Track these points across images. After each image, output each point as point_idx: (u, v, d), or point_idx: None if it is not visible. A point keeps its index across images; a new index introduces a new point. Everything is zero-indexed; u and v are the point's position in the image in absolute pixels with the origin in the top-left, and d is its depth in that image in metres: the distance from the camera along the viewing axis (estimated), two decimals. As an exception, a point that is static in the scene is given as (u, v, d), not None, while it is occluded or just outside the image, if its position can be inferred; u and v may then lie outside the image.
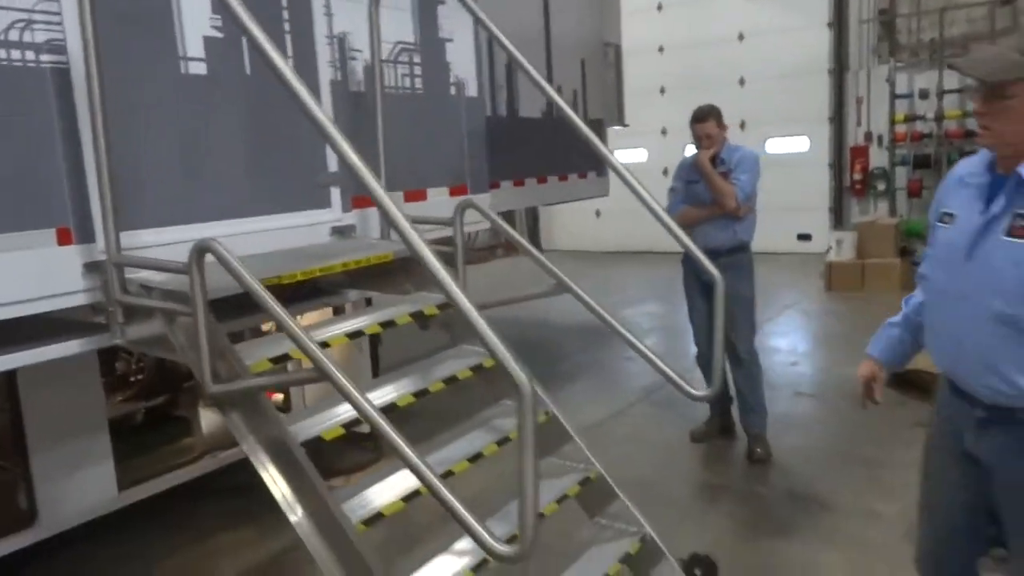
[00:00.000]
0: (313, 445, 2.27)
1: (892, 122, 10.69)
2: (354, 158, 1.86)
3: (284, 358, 2.32)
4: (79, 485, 3.50)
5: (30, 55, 2.32)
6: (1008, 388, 1.93)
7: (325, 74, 3.25)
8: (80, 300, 2.49)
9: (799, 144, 11.86)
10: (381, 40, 3.38)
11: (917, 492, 2.31)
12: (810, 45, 11.44)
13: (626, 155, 12.42)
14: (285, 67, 1.88)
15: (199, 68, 2.72)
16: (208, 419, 4.21)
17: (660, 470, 4.46)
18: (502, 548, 1.71)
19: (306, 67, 3.17)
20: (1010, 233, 1.89)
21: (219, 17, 2.83)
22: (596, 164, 7.07)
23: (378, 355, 5.10)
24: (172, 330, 2.37)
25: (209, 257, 2.05)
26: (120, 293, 2.44)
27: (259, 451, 2.26)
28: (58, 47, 2.36)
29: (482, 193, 4.16)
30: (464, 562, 2.30)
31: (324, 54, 3.24)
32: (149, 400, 4.23)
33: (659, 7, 12.68)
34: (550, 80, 6.36)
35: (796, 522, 3.75)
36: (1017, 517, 2.01)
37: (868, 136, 11.18)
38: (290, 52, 3.09)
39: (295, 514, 2.19)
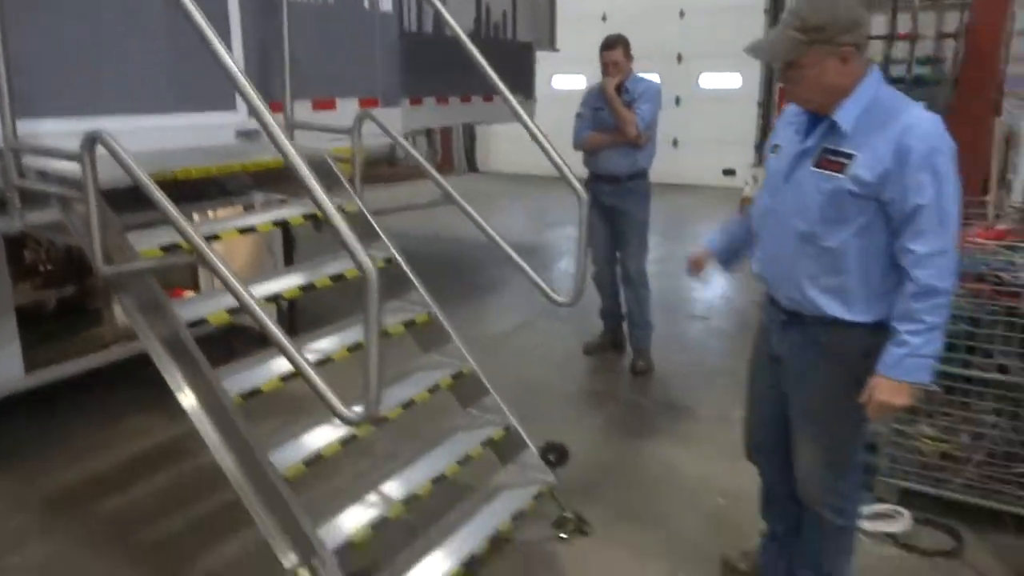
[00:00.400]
0: (201, 329, 2.50)
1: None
2: (232, 67, 2.03)
3: (174, 247, 2.51)
4: (-14, 363, 3.66)
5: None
6: (800, 296, 2.25)
7: (232, -24, 3.34)
8: (-22, 182, 2.62)
9: (732, 80, 12.10)
10: (291, -51, 3.47)
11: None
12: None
13: (564, 80, 12.47)
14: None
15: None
16: (120, 311, 4.37)
17: (550, 376, 4.82)
18: (348, 412, 1.99)
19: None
20: (817, 165, 2.17)
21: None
22: (524, 87, 7.21)
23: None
24: (67, 216, 2.54)
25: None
26: (17, 178, 2.58)
27: (151, 335, 2.48)
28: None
29: (393, 107, 4.32)
30: (337, 434, 2.59)
31: (233, -40, 3.32)
32: (59, 289, 4.36)
33: (604, -71, 12.57)
34: (479, 3, 6.45)
35: (660, 426, 4.16)
36: (800, 402, 2.36)
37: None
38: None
39: (182, 392, 2.44)
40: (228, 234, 2.81)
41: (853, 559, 2.55)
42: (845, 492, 2.42)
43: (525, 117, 2.97)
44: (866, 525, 3.13)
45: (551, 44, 8.01)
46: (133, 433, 3.96)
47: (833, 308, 2.21)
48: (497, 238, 3.16)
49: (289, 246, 5.14)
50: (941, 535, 3.11)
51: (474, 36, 6.37)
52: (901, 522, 3.14)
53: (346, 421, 2.01)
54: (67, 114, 2.73)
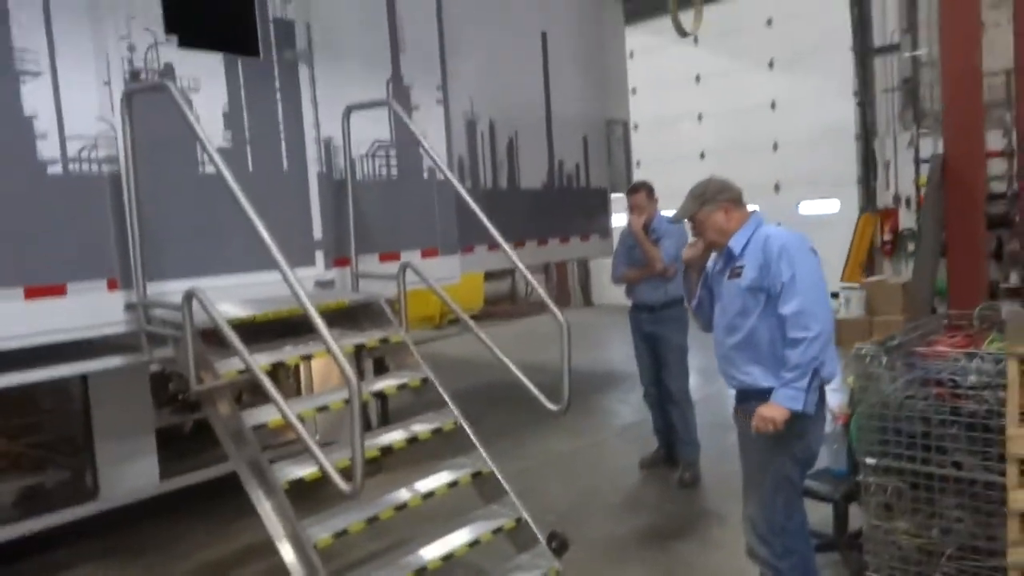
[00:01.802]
0: (262, 429, 3.30)
1: (917, 186, 11.14)
2: (263, 232, 2.90)
3: (246, 370, 3.35)
4: (130, 472, 4.64)
5: (95, 168, 3.53)
6: (737, 374, 3.10)
7: (313, 167, 4.39)
8: (121, 329, 3.65)
9: (830, 206, 12.39)
10: (360, 140, 4.53)
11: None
12: (838, 112, 12.05)
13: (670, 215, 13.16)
14: (223, 167, 2.98)
15: (211, 169, 3.86)
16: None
17: (603, 486, 5.28)
18: (343, 485, 2.68)
19: (298, 163, 4.32)
20: (728, 277, 3.13)
21: (229, 132, 4.01)
22: (600, 227, 8.01)
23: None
24: (176, 350, 3.48)
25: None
26: (146, 325, 3.58)
27: (224, 432, 3.32)
28: (112, 160, 3.57)
29: (451, 255, 5.20)
30: (363, 515, 3.26)
31: (312, 153, 4.39)
32: (196, 414, 5.38)
33: (697, 79, 13.57)
34: (551, 154, 7.42)
35: (692, 531, 4.51)
36: (744, 466, 3.20)
37: (896, 199, 11.64)
38: (284, 153, 4.26)
39: (244, 475, 3.22)
40: (292, 359, 3.67)
41: None
42: (776, 551, 3.08)
43: (515, 258, 3.67)
44: (851, 617, 3.38)
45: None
46: (237, 532, 4.76)
47: (757, 375, 3.01)
48: (502, 356, 3.81)
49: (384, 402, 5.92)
50: (923, 627, 3.29)
51: (548, 187, 7.33)
52: (883, 614, 3.35)
53: (346, 493, 2.70)
54: (180, 276, 3.72)
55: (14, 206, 3.35)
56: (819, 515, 4.01)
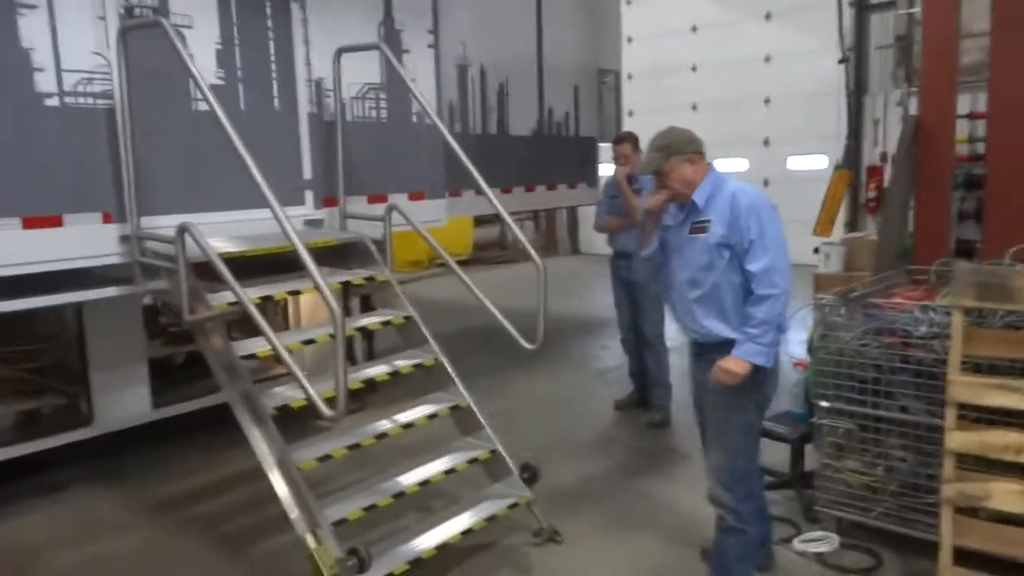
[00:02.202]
0: (252, 360, 3.48)
1: (904, 144, 11.24)
2: (254, 170, 3.02)
3: (236, 303, 3.50)
4: (123, 399, 4.82)
5: (90, 101, 3.62)
6: (699, 328, 3.12)
7: (304, 108, 4.48)
8: (116, 260, 3.79)
9: (818, 162, 12.48)
10: (351, 82, 4.61)
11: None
12: (831, 69, 12.05)
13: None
14: (217, 105, 3.09)
15: (203, 106, 3.95)
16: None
17: (576, 427, 5.51)
18: (327, 411, 2.87)
19: (289, 103, 4.41)
20: (690, 232, 3.11)
21: (222, 70, 4.09)
22: (588, 176, 8.12)
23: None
24: (169, 282, 3.63)
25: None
26: (140, 257, 3.72)
27: (216, 363, 3.49)
28: (108, 94, 3.66)
29: (438, 199, 5.33)
30: (345, 441, 3.46)
31: (303, 93, 4.47)
32: (187, 346, 5.55)
33: (693, 28, 13.50)
34: (541, 101, 7.48)
35: (656, 467, 4.75)
36: (709, 414, 3.21)
37: (883, 156, 11.74)
38: (276, 93, 4.34)
39: (233, 400, 3.41)
40: (279, 295, 3.82)
41: (749, 568, 3.16)
42: (738, 495, 3.10)
43: (497, 203, 3.80)
44: (797, 546, 3.64)
45: (617, 137, 8.88)
46: (228, 459, 4.97)
47: (719, 328, 3.06)
48: (482, 297, 3.98)
49: (370, 338, 6.10)
50: (865, 557, 3.55)
51: (537, 134, 7.41)
52: (829, 544, 3.61)
53: (326, 417, 2.89)
54: (173, 212, 3.84)
55: (12, 137, 3.45)
56: (778, 456, 4.27)
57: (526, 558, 3.71)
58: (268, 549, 3.81)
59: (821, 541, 3.63)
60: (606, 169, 7.42)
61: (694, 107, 13.58)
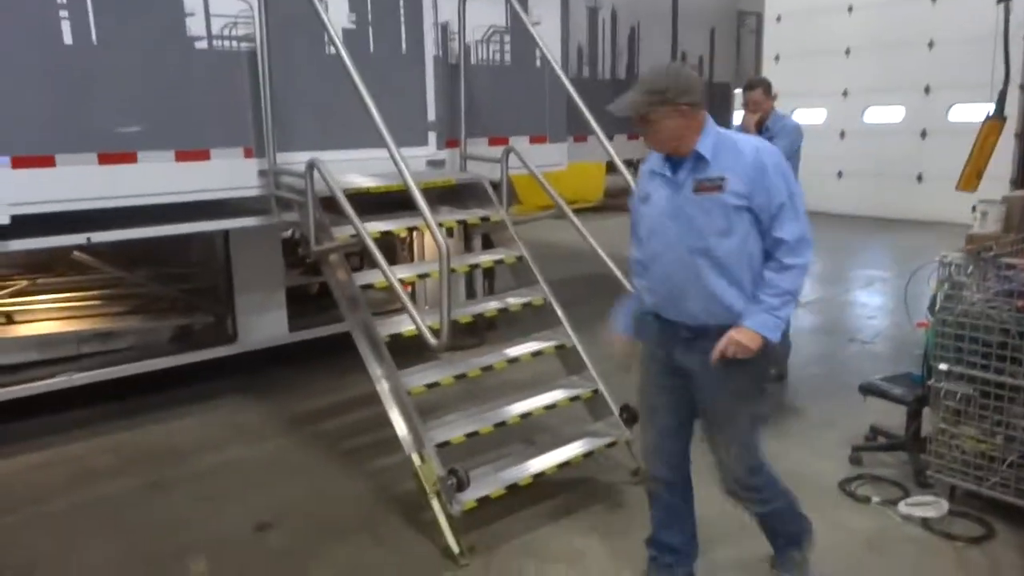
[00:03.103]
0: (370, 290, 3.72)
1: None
2: (374, 111, 3.20)
3: (356, 235, 3.73)
4: (263, 321, 5.27)
5: (235, 44, 3.91)
6: (699, 308, 2.61)
7: (429, 51, 4.62)
8: (255, 192, 4.12)
9: (983, 112, 11.44)
10: (475, 25, 4.71)
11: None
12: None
13: (804, 115, 12.60)
14: (343, 49, 3.28)
15: (333, 50, 4.17)
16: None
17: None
18: (431, 339, 3.05)
19: (415, 47, 4.56)
20: (695, 191, 2.57)
21: (353, 14, 4.29)
22: (720, 123, 7.86)
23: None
24: (300, 214, 3.92)
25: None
26: (275, 189, 4.03)
27: (339, 292, 3.76)
28: (250, 38, 3.93)
29: (559, 142, 5.38)
30: (453, 371, 3.66)
31: (430, 37, 4.61)
32: (319, 277, 5.96)
33: (851, -34, 12.59)
34: (675, 45, 7.30)
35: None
36: (717, 404, 2.73)
37: (1056, 106, 10.61)
38: (403, 36, 4.50)
39: (353, 327, 3.67)
40: (399, 231, 4.04)
41: (803, 520, 2.92)
42: (759, 485, 2.78)
43: (609, 148, 3.82)
44: (903, 509, 3.54)
45: (755, 82, 8.53)
46: (352, 383, 5.31)
47: (733, 299, 2.58)
48: (592, 241, 4.03)
49: (491, 276, 6.30)
50: (975, 526, 3.41)
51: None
52: (937, 510, 3.49)
53: (431, 346, 3.08)
54: (306, 149, 4.10)
55: (168, 78, 3.80)
56: (894, 418, 4.12)
57: (621, 495, 3.81)
58: (381, 466, 4.11)
59: (929, 506, 3.51)
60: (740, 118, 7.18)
61: (847, 51, 12.75)
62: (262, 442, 4.55)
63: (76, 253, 5.08)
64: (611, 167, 15.32)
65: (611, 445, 3.85)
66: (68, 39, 3.53)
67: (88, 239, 3.91)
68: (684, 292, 2.64)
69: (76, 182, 3.64)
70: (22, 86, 3.47)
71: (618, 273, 3.96)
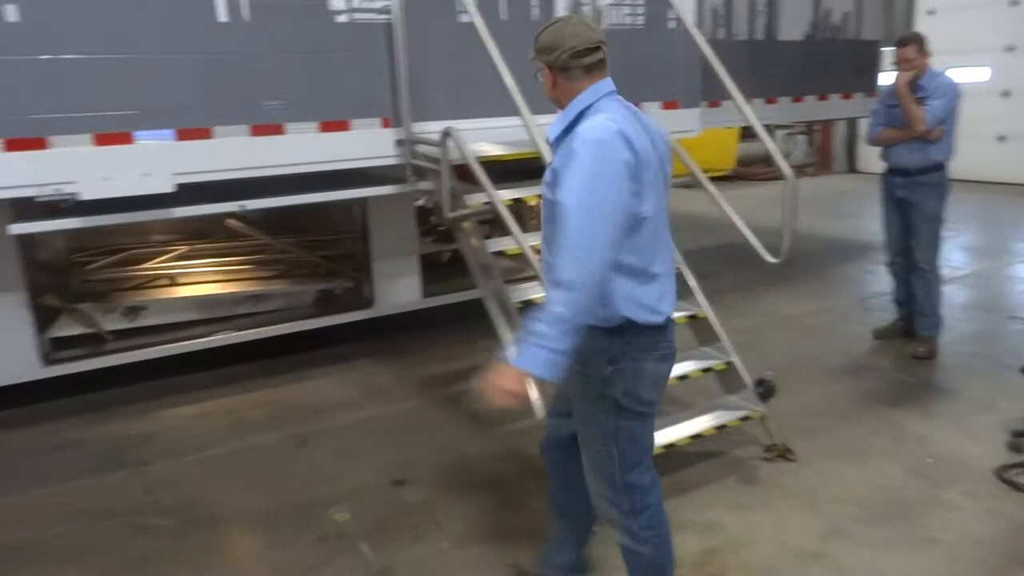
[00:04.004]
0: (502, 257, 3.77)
1: None
2: (507, 78, 3.20)
3: (488, 202, 3.77)
4: (398, 287, 5.46)
5: (372, 16, 4.02)
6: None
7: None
8: (392, 161, 4.24)
9: None
10: (608, -11, 4.61)
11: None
12: None
13: (965, 73, 11.62)
14: (477, 16, 3.30)
15: (466, 19, 4.20)
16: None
17: (825, 350, 5.26)
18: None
19: (546, 12, 4.53)
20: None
21: (486, -17, 4.29)
22: (866, 84, 7.40)
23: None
24: (434, 182, 4.00)
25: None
26: (411, 158, 4.13)
27: (472, 259, 3.83)
28: (387, 9, 4.03)
29: (692, 108, 5.21)
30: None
31: (561, 2, 4.56)
32: (451, 245, 6.10)
33: (1023, -93, 11.42)
34: (817, 3, 6.89)
35: (912, 400, 4.42)
36: (576, 415, 2.40)
37: None
38: (535, 2, 4.47)
39: (485, 294, 3.73)
40: (530, 197, 4.04)
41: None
42: (624, 509, 2.36)
43: (749, 113, 3.66)
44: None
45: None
46: (482, 348, 5.45)
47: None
48: (728, 208, 3.89)
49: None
50: None
51: (810, 38, 6.88)
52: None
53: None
54: (441, 118, 4.17)
55: (311, 51, 3.96)
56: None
57: (754, 470, 3.71)
58: (511, 430, 4.19)
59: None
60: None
61: (1013, 1, 11.62)
62: (396, 402, 4.73)
63: (229, 220, 5.43)
64: (744, 133, 14.77)
65: (745, 419, 3.75)
66: (223, 17, 3.74)
67: (242, 206, 4.17)
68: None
69: (231, 153, 3.87)
70: (183, 64, 3.71)
71: (756, 243, 3.83)
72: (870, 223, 9.06)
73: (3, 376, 4.43)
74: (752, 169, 13.75)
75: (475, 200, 3.83)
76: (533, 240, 3.96)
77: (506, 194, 3.87)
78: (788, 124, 13.29)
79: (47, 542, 3.36)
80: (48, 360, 4.55)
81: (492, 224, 5.37)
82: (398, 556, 3.17)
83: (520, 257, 3.66)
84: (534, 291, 3.73)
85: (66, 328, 4.81)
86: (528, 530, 3.29)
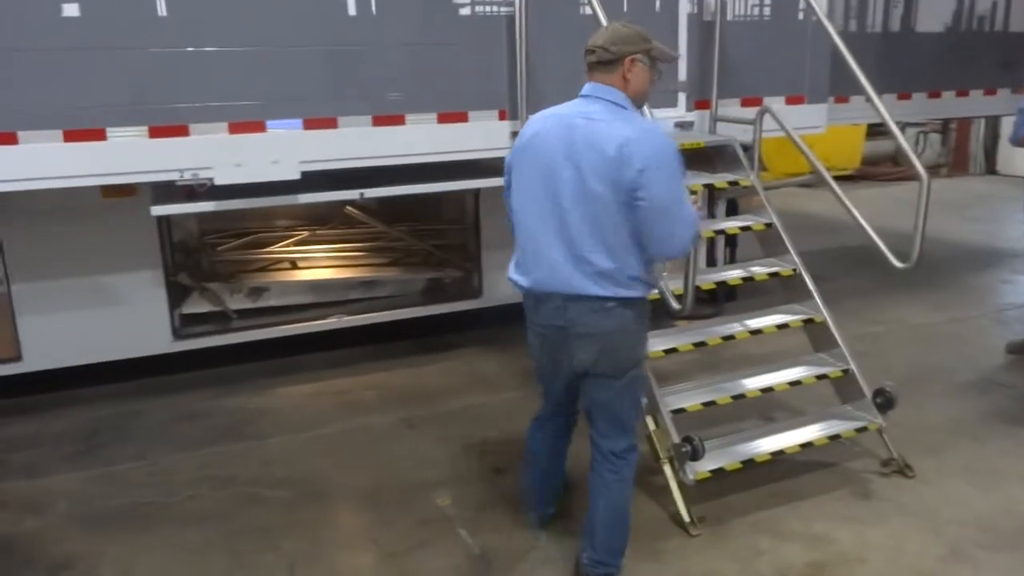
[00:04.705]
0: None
1: None
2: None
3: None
4: (505, 279, 5.48)
5: (495, 8, 4.06)
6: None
7: (684, 8, 4.48)
8: (505, 153, 4.27)
9: None
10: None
11: None
12: None
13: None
14: (600, 10, 3.30)
15: (588, 10, 4.16)
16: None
17: (953, 363, 4.94)
18: (674, 305, 3.01)
19: (670, 3, 4.45)
20: None
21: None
22: (1013, 79, 6.88)
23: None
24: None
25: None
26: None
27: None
28: (510, 2, 4.06)
29: (819, 103, 5.00)
30: (691, 339, 3.60)
31: (683, -7, 4.48)
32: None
33: None
34: (962, -7, 6.46)
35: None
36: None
37: None
38: (657, -6, 4.41)
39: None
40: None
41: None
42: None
43: (880, 107, 3.48)
44: None
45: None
46: (588, 342, 5.46)
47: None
48: (853, 209, 3.73)
49: (733, 243, 6.07)
50: None
51: (951, 30, 6.47)
52: None
53: (673, 311, 3.04)
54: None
55: (433, 43, 4.04)
56: None
57: (869, 485, 3.55)
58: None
59: None
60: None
61: None
62: (499, 392, 4.78)
63: (348, 208, 5.63)
64: (870, 131, 13.94)
65: (861, 431, 3.59)
66: (352, 11, 3.87)
67: (361, 194, 4.31)
68: None
69: (354, 142, 4.01)
70: (311, 55, 3.86)
71: (882, 246, 3.64)
72: (1010, 229, 8.45)
73: (139, 347, 4.76)
74: (879, 168, 13.07)
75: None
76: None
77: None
78: (921, 122, 12.56)
79: (173, 506, 3.60)
80: (179, 335, 4.86)
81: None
82: (496, 543, 3.21)
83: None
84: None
85: (196, 306, 5.11)
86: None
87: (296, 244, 5.78)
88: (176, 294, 4.97)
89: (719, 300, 5.93)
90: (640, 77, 2.65)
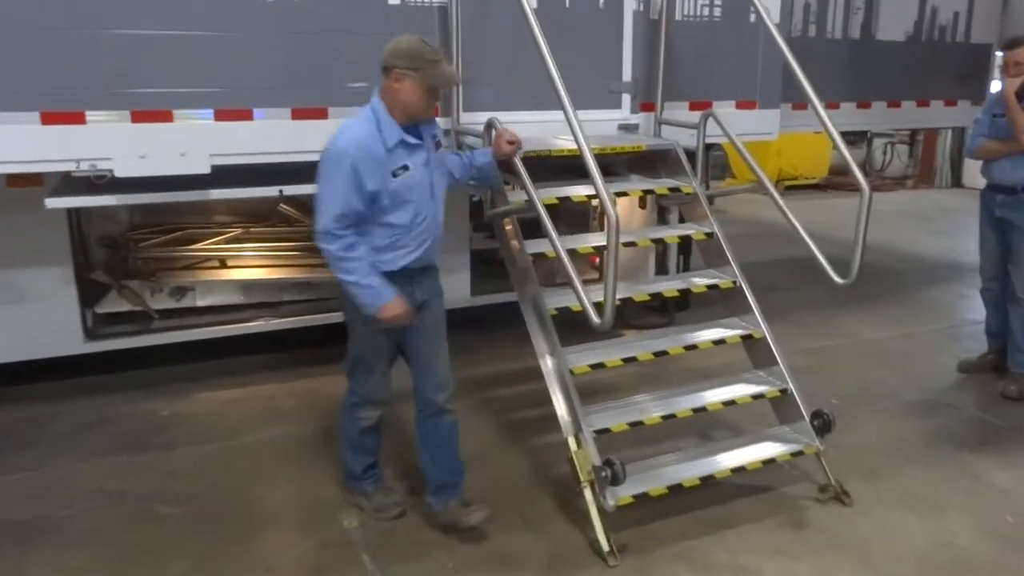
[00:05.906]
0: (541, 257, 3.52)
1: None
2: (553, 70, 2.95)
3: (529, 200, 3.52)
4: (447, 284, 5.21)
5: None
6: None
7: (629, 5, 4.27)
8: (438, 152, 4.04)
9: None
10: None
11: None
12: None
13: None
14: (527, 7, 3.05)
15: (533, 3, 3.93)
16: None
17: (899, 381, 4.79)
18: (596, 318, 2.80)
19: (614, 0, 4.24)
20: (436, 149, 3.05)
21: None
22: (974, 91, 6.78)
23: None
24: (478, 175, 3.78)
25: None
26: (456, 149, 3.92)
27: (510, 259, 3.60)
28: (441, -7, 3.83)
29: (771, 109, 4.82)
30: (621, 353, 3.38)
31: (630, -10, 4.26)
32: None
33: None
34: (923, 1, 6.34)
35: (994, 445, 3.96)
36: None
37: None
38: (603, -11, 4.19)
39: (522, 298, 3.50)
40: (577, 196, 3.76)
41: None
42: None
43: (825, 117, 3.30)
44: None
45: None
46: (529, 352, 5.20)
47: None
48: (794, 220, 3.55)
49: (687, 252, 5.89)
50: None
51: (912, 39, 6.34)
52: None
53: (593, 324, 2.83)
54: (491, 109, 3.93)
55: (359, 33, 3.79)
56: None
57: (803, 513, 3.36)
58: (543, 443, 3.95)
59: None
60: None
61: None
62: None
63: (282, 206, 5.35)
64: (846, 141, 13.90)
65: (797, 455, 3.40)
66: (268, -5, 3.61)
67: (280, 191, 4.05)
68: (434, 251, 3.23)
69: (271, 136, 3.75)
70: (225, 41, 3.58)
71: (823, 260, 3.46)
72: (972, 243, 8.34)
73: (48, 348, 4.46)
74: (846, 179, 13.00)
75: (515, 197, 3.60)
76: (576, 243, 3.72)
77: (553, 192, 3.64)
78: (889, 133, 12.52)
79: (58, 523, 3.32)
80: (92, 335, 4.57)
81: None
82: (399, 572, 2.98)
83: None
84: (573, 297, 3.48)
85: (114, 305, 4.82)
86: (546, 560, 3.04)
87: (227, 241, 5.49)
88: (92, 292, 4.68)
89: (670, 311, 5.76)
90: (407, 92, 2.81)
